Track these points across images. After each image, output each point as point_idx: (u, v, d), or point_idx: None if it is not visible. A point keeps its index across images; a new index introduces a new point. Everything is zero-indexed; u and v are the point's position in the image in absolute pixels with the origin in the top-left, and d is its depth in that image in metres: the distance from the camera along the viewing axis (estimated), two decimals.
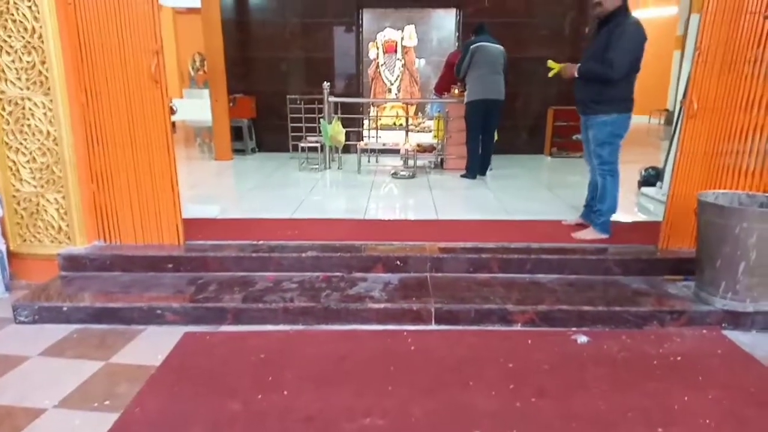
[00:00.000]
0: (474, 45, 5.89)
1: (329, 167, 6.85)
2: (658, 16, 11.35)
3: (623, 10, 3.37)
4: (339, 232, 3.83)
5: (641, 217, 4.47)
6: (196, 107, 12.29)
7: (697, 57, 3.16)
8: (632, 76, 3.41)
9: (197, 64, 15.11)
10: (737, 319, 2.86)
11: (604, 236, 3.66)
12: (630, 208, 4.82)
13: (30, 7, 3.04)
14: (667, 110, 10.31)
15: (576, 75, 3.51)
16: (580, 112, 3.66)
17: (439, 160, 6.99)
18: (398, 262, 3.36)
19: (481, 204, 4.92)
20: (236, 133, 7.62)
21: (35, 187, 3.32)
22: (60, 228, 3.39)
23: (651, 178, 5.25)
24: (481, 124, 6.01)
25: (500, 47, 5.92)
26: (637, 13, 4.06)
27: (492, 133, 6.18)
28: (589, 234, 3.69)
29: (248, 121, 7.80)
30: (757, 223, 2.68)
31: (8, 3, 3.04)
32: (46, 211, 3.36)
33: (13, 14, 3.05)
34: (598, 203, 3.67)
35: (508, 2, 7.46)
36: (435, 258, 3.36)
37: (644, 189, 5.18)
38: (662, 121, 10.38)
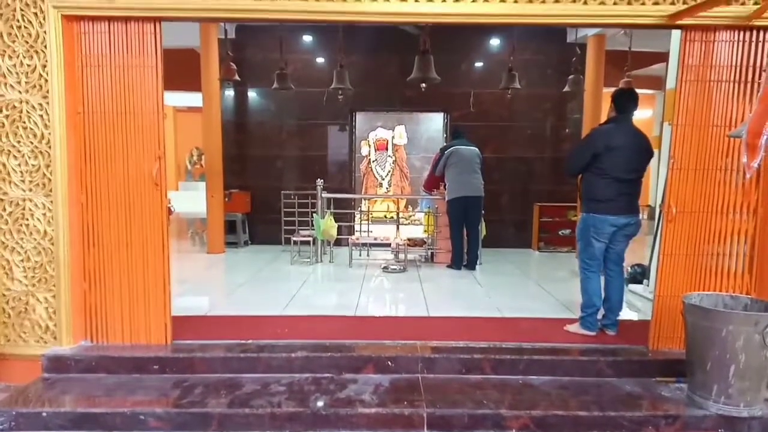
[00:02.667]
0: (449, 149, 6.36)
1: (321, 260, 6.89)
2: (637, 118, 12.07)
3: (612, 119, 3.64)
4: (329, 330, 3.80)
5: (630, 315, 4.49)
6: (191, 199, 12.56)
7: (671, 164, 3.35)
8: (602, 177, 3.49)
9: (194, 158, 15.58)
10: (733, 425, 2.81)
11: (588, 333, 3.67)
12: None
13: (41, 116, 3.21)
14: (649, 206, 10.65)
15: None
16: None
17: (429, 253, 7.09)
18: (389, 363, 3.32)
19: (471, 300, 4.94)
20: (230, 227, 7.72)
21: (26, 286, 3.32)
22: (47, 328, 3.34)
23: (637, 275, 5.34)
24: (461, 219, 6.36)
25: (474, 149, 6.37)
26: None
27: (476, 228, 6.43)
28: (574, 328, 3.77)
29: (242, 215, 7.94)
30: (743, 326, 2.72)
31: (21, 112, 3.21)
32: (34, 310, 3.34)
33: (24, 122, 3.22)
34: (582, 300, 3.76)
35: (492, 107, 7.92)
36: (426, 358, 3.33)
37: (632, 286, 5.24)
38: (645, 216, 10.69)
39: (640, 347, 3.51)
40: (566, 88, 6.92)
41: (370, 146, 11.14)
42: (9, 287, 3.33)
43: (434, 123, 11.52)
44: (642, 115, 12.15)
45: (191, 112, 14.08)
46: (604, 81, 7.30)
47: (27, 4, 3.15)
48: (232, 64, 6.52)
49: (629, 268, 5.49)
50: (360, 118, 9.10)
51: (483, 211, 6.53)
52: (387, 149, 11.21)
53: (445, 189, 6.45)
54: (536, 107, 7.95)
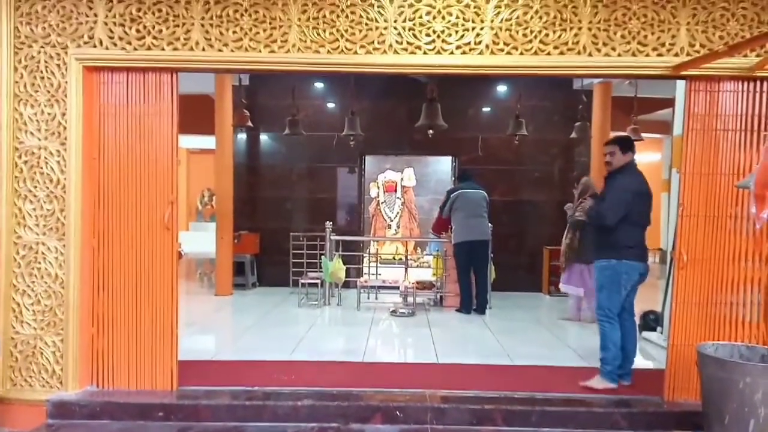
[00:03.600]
0: (455, 193, 6.41)
1: (329, 303, 6.86)
2: (647, 161, 12.12)
3: (628, 165, 3.63)
4: (336, 377, 3.74)
5: (645, 364, 4.39)
6: (201, 240, 12.63)
7: (681, 211, 3.35)
8: (632, 225, 3.51)
9: (206, 199, 15.77)
10: None
11: (611, 386, 3.56)
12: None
13: (58, 162, 3.29)
14: (661, 249, 10.55)
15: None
16: (590, 259, 3.79)
17: (438, 297, 7.03)
18: (397, 413, 3.25)
19: (481, 346, 4.86)
20: (238, 268, 7.73)
21: (35, 329, 3.33)
22: (53, 372, 3.33)
23: (651, 322, 5.24)
24: (467, 263, 6.35)
25: (481, 192, 6.39)
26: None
27: (484, 271, 6.41)
28: (596, 383, 3.59)
29: (251, 256, 7.97)
30: (761, 378, 2.65)
31: (39, 158, 3.30)
32: (42, 353, 3.33)
33: (42, 168, 3.30)
34: (600, 351, 3.63)
35: (500, 151, 8.00)
36: (436, 408, 3.26)
37: (645, 333, 5.14)
38: (657, 260, 10.58)
39: (655, 398, 3.41)
40: (573, 134, 7.01)
41: (379, 188, 11.22)
42: (18, 330, 3.34)
43: (443, 165, 11.63)
44: (650, 159, 12.19)
45: (203, 154, 14.36)
46: (611, 126, 7.38)
47: (51, 57, 3.29)
48: (245, 111, 6.69)
49: (642, 316, 5.40)
50: (369, 160, 9.22)
51: (492, 254, 6.51)
52: (396, 191, 11.29)
53: (452, 232, 6.48)
54: (544, 152, 8.02)
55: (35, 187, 3.31)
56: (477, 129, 8.05)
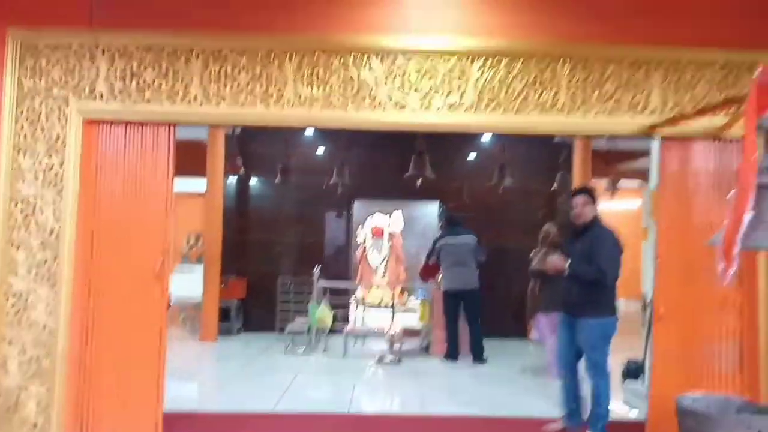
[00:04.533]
0: (439, 242, 6.47)
1: (315, 350, 6.82)
2: (626, 208, 12.41)
3: (598, 218, 3.79)
4: (322, 430, 3.73)
5: (628, 414, 4.42)
6: (186, 282, 12.52)
7: (658, 264, 3.48)
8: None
9: (192, 241, 15.70)
10: None
11: None
12: (615, 402, 4.78)
13: (53, 211, 3.34)
14: (642, 296, 10.67)
15: (565, 273, 3.73)
16: (570, 313, 3.77)
17: (425, 343, 7.03)
18: None
19: (469, 396, 4.87)
20: (224, 313, 7.69)
21: (20, 380, 3.29)
22: (35, 425, 3.27)
23: (633, 371, 5.29)
24: (453, 310, 6.36)
25: (468, 238, 6.41)
26: (608, 204, 4.65)
27: (474, 320, 6.41)
28: None
29: (238, 301, 7.94)
30: (735, 431, 2.71)
31: (35, 206, 3.35)
32: (25, 405, 3.28)
33: (37, 216, 3.34)
34: (596, 407, 3.64)
35: (485, 197, 8.20)
36: None
37: (628, 382, 5.18)
38: (640, 306, 10.70)
39: None
40: (554, 186, 7.23)
41: (366, 232, 11.33)
42: (1, 382, 3.30)
43: (430, 209, 11.81)
44: (630, 207, 12.49)
45: (189, 197, 14.38)
46: (591, 175, 7.63)
47: (52, 109, 3.38)
48: (238, 159, 6.83)
49: (624, 365, 5.43)
50: (357, 204, 9.36)
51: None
52: (383, 235, 11.40)
53: (440, 279, 6.56)
54: (527, 200, 8.23)
55: (29, 235, 3.35)
56: (462, 177, 8.26)
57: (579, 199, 3.79)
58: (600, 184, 6.68)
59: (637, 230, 11.74)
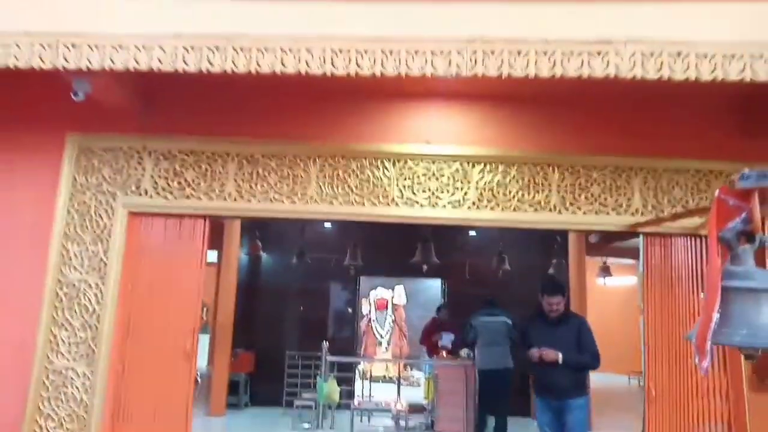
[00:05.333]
0: (476, 321, 6.69)
1: (321, 426, 6.92)
2: (623, 285, 12.68)
3: (568, 308, 4.17)
4: None
5: None
6: None
7: (647, 349, 3.77)
8: None
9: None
10: None
11: None
12: None
13: (96, 294, 3.71)
14: (641, 372, 10.74)
15: (560, 362, 4.06)
16: (560, 397, 4.05)
17: (430, 421, 7.13)
18: None
19: None
20: (232, 387, 7.83)
21: None
22: None
23: None
24: (483, 392, 6.48)
25: (501, 319, 6.67)
26: (609, 280, 5.02)
27: (502, 407, 6.51)
28: None
29: (246, 375, 8.09)
30: None
31: (78, 290, 3.71)
32: None
33: (80, 299, 3.70)
34: None
35: (486, 276, 8.54)
36: None
37: None
38: (640, 382, 10.75)
39: None
40: (551, 270, 7.60)
41: (370, 305, 11.57)
42: None
43: (433, 285, 12.11)
44: (626, 283, 12.76)
45: None
46: (586, 252, 8.00)
47: (100, 202, 3.83)
48: (258, 241, 7.24)
49: None
50: (363, 279, 9.70)
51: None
52: (387, 308, 11.64)
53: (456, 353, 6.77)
54: (525, 279, 8.56)
55: (72, 316, 3.69)
56: (464, 255, 8.64)
57: (556, 299, 4.19)
58: (594, 262, 7.03)
59: (631, 305, 12.01)
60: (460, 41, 3.03)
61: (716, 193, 2.85)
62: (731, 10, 3.03)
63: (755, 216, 2.55)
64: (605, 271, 6.08)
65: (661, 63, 2.91)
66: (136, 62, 3.06)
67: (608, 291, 5.62)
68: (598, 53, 2.94)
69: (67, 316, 3.69)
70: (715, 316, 2.62)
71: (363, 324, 11.71)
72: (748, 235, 2.61)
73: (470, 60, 3.03)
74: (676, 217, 3.60)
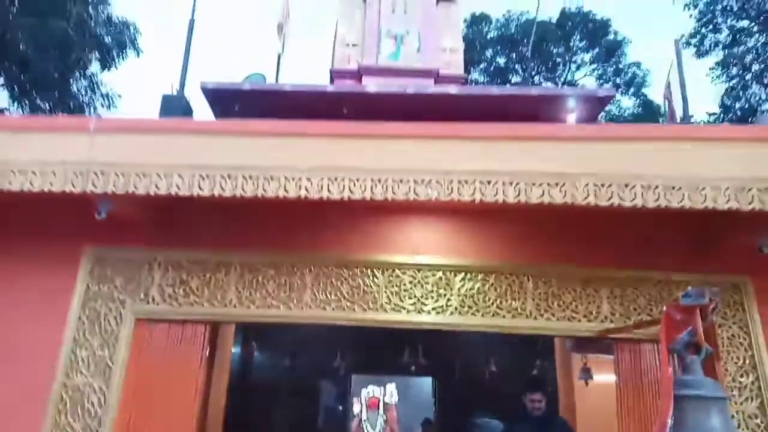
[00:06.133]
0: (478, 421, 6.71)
1: None
2: (605, 381, 12.63)
3: (555, 410, 4.38)
4: None
5: None
6: None
7: None
8: None
9: None
10: None
11: None
12: None
13: (99, 398, 3.90)
14: None
15: None
16: None
17: None
18: None
19: None
20: None
21: None
22: None
23: None
24: None
25: (495, 422, 6.69)
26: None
27: None
28: None
29: None
30: None
31: (83, 394, 3.91)
32: None
33: (84, 402, 3.89)
34: None
35: (475, 374, 8.65)
36: None
37: None
38: None
39: None
40: (534, 371, 7.77)
41: (362, 404, 11.44)
42: None
43: (425, 382, 12.07)
44: (609, 379, 12.71)
45: None
46: (574, 348, 8.16)
47: (110, 309, 4.12)
48: (252, 341, 7.44)
49: None
50: (355, 378, 9.72)
51: None
52: (378, 407, 11.50)
53: None
54: (512, 379, 8.66)
55: (74, 419, 3.86)
56: (453, 354, 8.79)
57: (538, 396, 4.43)
58: (578, 359, 7.17)
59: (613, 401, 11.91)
60: (439, 172, 3.53)
61: (664, 308, 3.24)
62: (671, 148, 3.57)
63: (698, 330, 2.91)
64: (586, 372, 6.23)
65: (612, 193, 3.40)
66: (157, 188, 3.52)
67: (596, 389, 5.76)
68: (557, 184, 3.43)
69: (69, 419, 3.86)
70: (669, 422, 2.89)
71: (354, 423, 11.52)
72: (695, 347, 2.96)
73: (447, 188, 3.52)
74: (638, 325, 3.93)
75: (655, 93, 18.87)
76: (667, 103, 5.68)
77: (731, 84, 14.58)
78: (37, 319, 4.10)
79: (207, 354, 4.14)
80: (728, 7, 14.19)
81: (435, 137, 3.66)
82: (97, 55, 10.16)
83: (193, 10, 5.34)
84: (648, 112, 18.20)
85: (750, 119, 14.56)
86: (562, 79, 21.19)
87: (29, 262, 4.23)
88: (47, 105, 9.98)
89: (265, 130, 3.77)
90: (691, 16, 15.09)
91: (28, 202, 3.76)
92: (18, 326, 4.08)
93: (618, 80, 20.18)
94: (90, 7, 9.78)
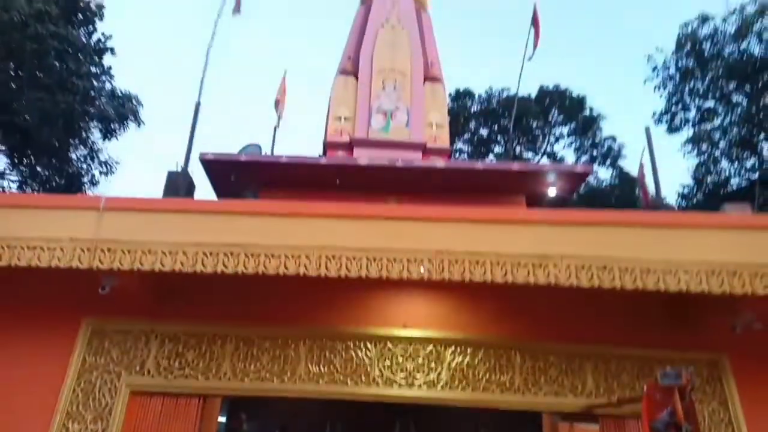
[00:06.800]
0: None
1: None
2: None
3: None
4: None
5: None
6: None
7: None
8: None
9: None
10: None
11: None
12: None
13: None
14: None
15: None
16: None
17: None
18: None
19: None
20: None
21: None
22: None
23: None
24: None
25: None
26: None
27: None
28: None
29: None
30: None
31: None
32: None
33: None
34: None
35: None
36: None
37: None
38: None
39: None
40: None
41: None
42: None
43: None
44: None
45: None
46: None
47: (105, 382, 4.15)
48: (242, 413, 7.32)
49: None
50: None
51: None
52: None
53: None
54: None
55: None
56: (445, 427, 8.67)
57: None
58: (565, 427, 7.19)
59: None
60: (431, 252, 3.75)
61: (644, 388, 3.41)
62: (646, 233, 3.85)
63: (678, 410, 3.08)
64: None
65: (592, 274, 3.64)
66: (162, 265, 3.68)
67: None
68: (540, 265, 3.67)
69: None
70: None
71: None
72: (675, 426, 3.12)
73: (438, 267, 3.73)
74: (621, 402, 4.07)
75: (630, 165, 19.71)
76: (640, 186, 6.06)
77: (701, 159, 15.36)
78: (31, 390, 4.10)
79: (200, 428, 4.13)
80: (695, 89, 15.17)
81: (426, 219, 3.90)
82: (100, 126, 10.49)
83: (200, 93, 5.68)
84: (624, 183, 18.90)
85: (721, 191, 15.25)
86: (542, 150, 22.07)
87: (27, 332, 4.28)
88: (45, 172, 10.14)
89: (266, 210, 3.99)
90: (661, 96, 16.10)
91: (30, 272, 3.85)
92: (12, 396, 4.07)
93: (595, 152, 21.06)
94: (96, 81, 10.18)
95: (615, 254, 3.70)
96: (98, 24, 10.97)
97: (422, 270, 3.72)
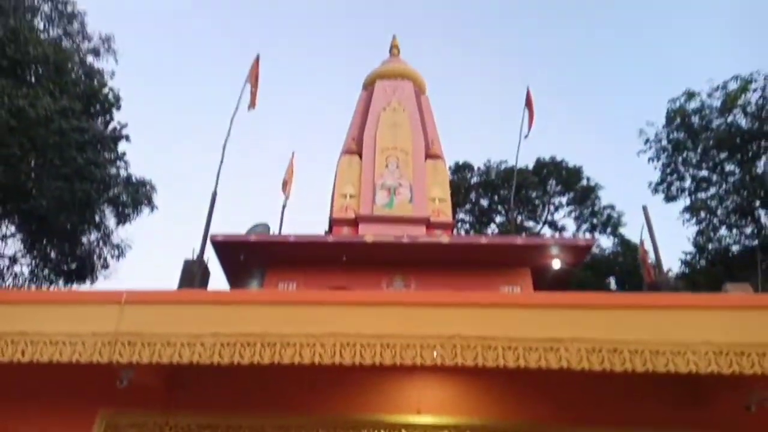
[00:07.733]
0: None
1: None
2: None
3: None
4: None
5: None
6: None
7: None
8: None
9: None
10: None
11: None
12: None
13: None
14: None
15: None
16: None
17: None
18: None
19: None
20: None
21: None
22: None
23: None
24: None
25: None
26: None
27: None
28: None
29: None
30: None
31: None
32: None
33: None
34: None
35: None
36: None
37: None
38: None
39: None
40: None
41: None
42: None
43: None
44: None
45: None
46: None
47: None
48: None
49: None
50: None
51: None
52: None
53: None
54: None
55: None
56: None
57: None
58: None
59: None
60: (443, 337, 3.83)
61: None
62: (654, 315, 3.93)
63: None
64: None
65: (603, 358, 3.69)
66: (180, 357, 3.75)
67: None
68: (552, 348, 3.73)
69: None
70: None
71: None
72: None
73: (451, 352, 3.79)
74: None
75: (630, 233, 19.93)
76: (643, 265, 6.21)
77: (701, 227, 15.57)
78: None
79: None
80: (688, 159, 15.63)
81: (438, 305, 4.01)
82: (114, 211, 10.79)
83: (216, 183, 5.96)
84: (626, 251, 19.03)
85: (724, 257, 15.34)
86: (543, 219, 22.42)
87: (43, 423, 4.27)
88: (57, 255, 10.32)
89: (281, 300, 4.12)
90: (655, 168, 16.57)
91: (50, 365, 3.91)
92: None
93: (594, 221, 21.39)
94: (111, 168, 10.58)
95: (624, 337, 3.76)
96: (114, 113, 11.59)
97: (435, 355, 3.78)
